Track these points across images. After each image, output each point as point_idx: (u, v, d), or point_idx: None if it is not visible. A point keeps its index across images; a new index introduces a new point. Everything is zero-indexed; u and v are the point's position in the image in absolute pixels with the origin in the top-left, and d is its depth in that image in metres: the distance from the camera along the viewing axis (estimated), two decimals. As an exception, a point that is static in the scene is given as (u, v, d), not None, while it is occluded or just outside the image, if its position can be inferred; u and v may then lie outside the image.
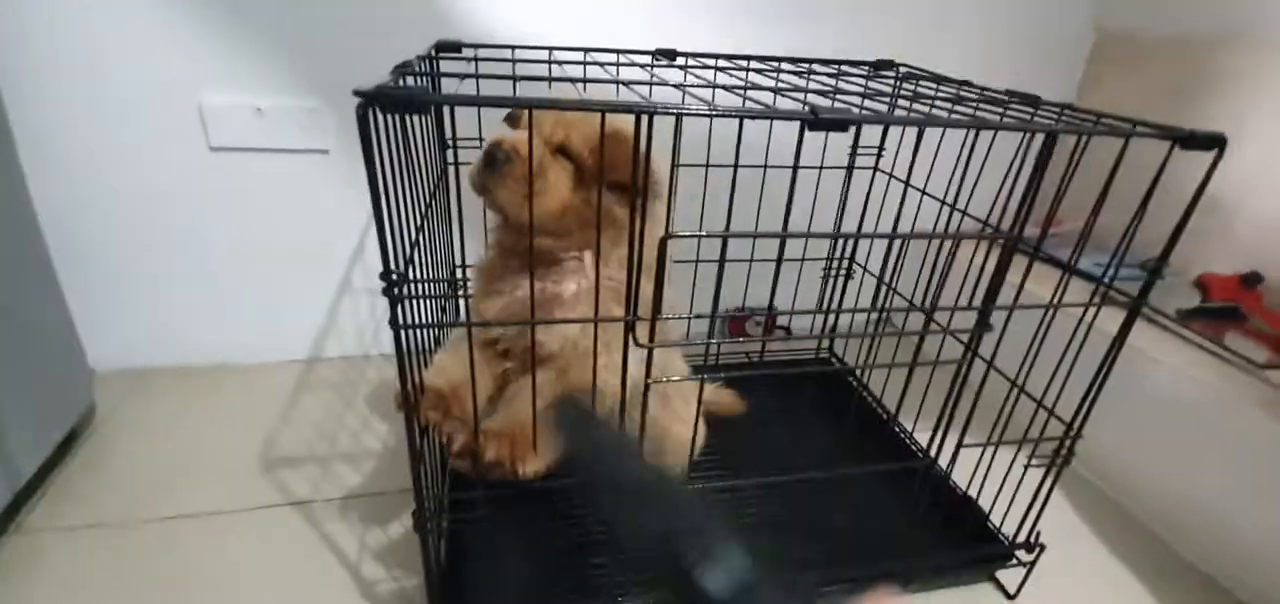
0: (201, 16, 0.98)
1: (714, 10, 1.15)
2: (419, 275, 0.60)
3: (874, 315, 1.01)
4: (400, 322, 0.51)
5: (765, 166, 0.95)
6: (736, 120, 0.50)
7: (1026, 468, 0.80)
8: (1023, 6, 1.29)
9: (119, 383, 1.15)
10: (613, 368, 0.62)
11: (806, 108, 0.50)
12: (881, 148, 1.03)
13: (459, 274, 0.91)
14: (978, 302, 0.69)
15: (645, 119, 0.47)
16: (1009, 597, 0.87)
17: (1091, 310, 0.72)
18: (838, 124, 0.48)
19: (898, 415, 1.07)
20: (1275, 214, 1.08)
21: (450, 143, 0.87)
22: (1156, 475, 0.99)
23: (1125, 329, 0.71)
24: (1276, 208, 1.08)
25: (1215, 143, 0.57)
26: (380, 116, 0.48)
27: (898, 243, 0.93)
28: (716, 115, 0.49)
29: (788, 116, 0.50)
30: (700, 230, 0.57)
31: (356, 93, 0.42)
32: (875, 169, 1.05)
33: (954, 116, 0.60)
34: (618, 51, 0.88)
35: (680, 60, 0.89)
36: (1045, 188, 0.66)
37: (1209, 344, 1.00)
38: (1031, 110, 0.70)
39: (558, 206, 0.68)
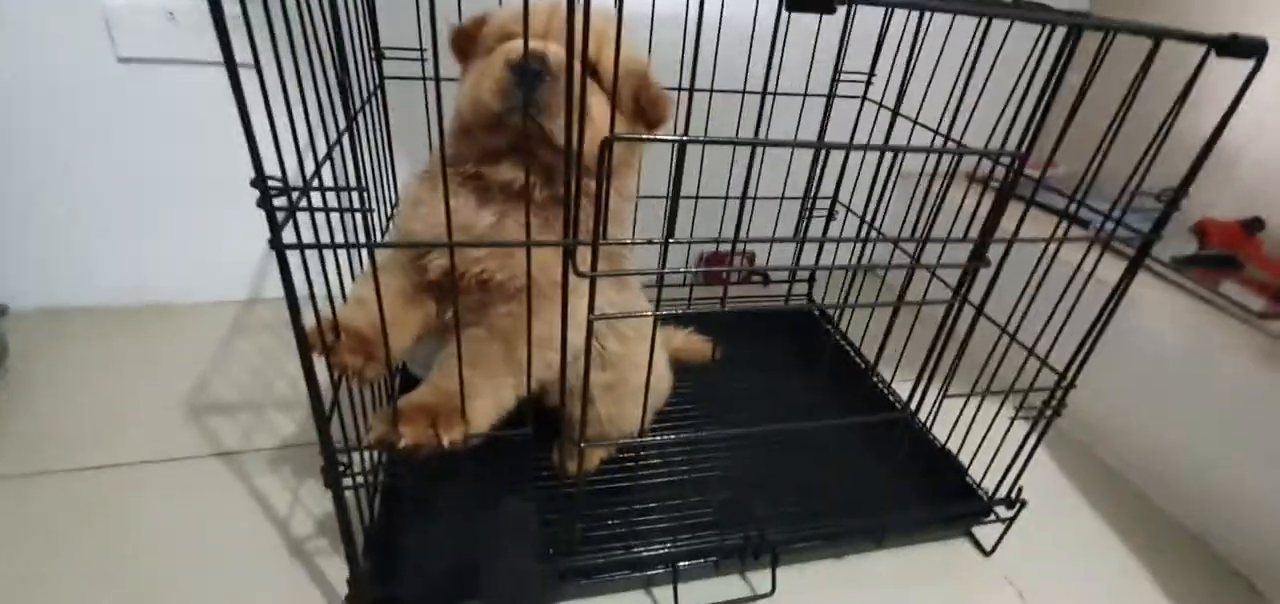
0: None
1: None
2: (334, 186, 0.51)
3: (855, 250, 0.94)
4: (286, 240, 0.42)
5: (744, 92, 0.86)
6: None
7: (1013, 419, 0.75)
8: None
9: (37, 322, 1.04)
10: (559, 316, 0.54)
11: (784, -13, 0.41)
12: (872, 73, 0.94)
13: (363, 188, 0.81)
14: (973, 234, 0.61)
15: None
16: (985, 553, 0.83)
17: (1093, 255, 0.65)
18: (819, 3, 0.40)
19: (877, 364, 1.01)
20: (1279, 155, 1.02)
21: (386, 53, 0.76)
22: (1144, 430, 0.94)
23: (1129, 274, 0.65)
24: (1282, 149, 1.01)
25: (1256, 49, 0.50)
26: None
27: (884, 171, 0.84)
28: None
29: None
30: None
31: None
32: (863, 98, 0.96)
33: (962, 2, 0.51)
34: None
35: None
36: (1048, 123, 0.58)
37: (1205, 292, 0.94)
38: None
39: (595, 144, 0.54)
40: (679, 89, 0.85)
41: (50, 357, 0.99)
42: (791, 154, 0.98)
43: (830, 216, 1.04)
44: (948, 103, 0.74)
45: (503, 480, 0.76)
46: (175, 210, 1.06)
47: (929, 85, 0.79)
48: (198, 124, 0.99)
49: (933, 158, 0.78)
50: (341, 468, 0.55)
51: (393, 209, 0.84)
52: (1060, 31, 0.50)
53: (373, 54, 0.76)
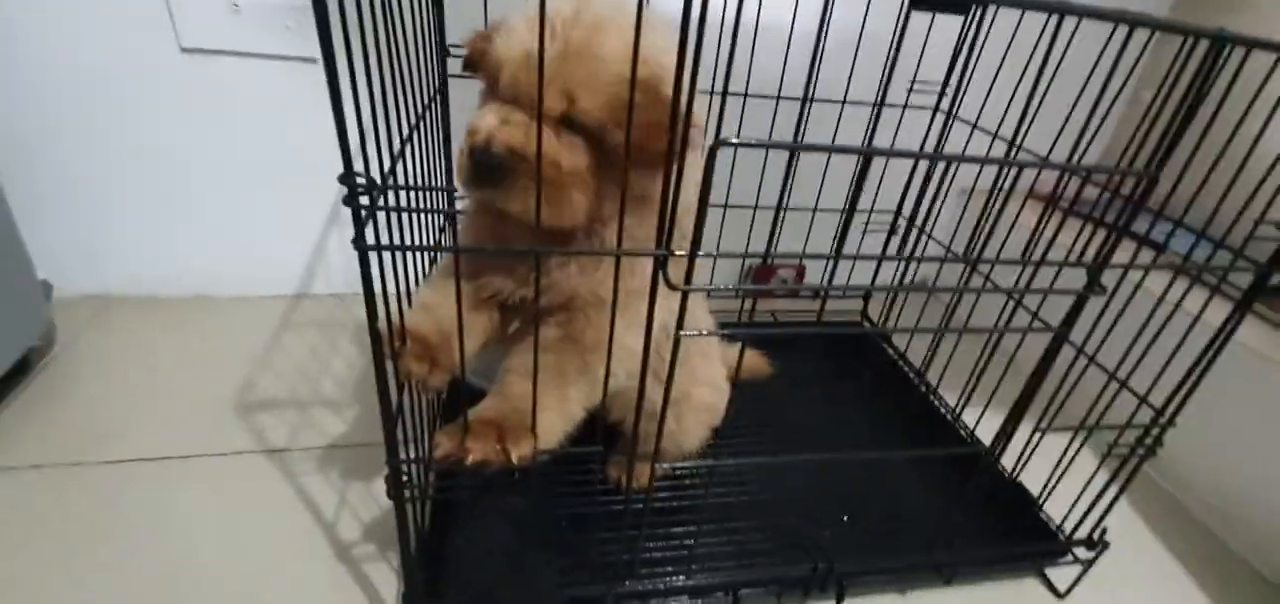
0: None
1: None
2: (404, 185, 0.49)
3: (930, 271, 0.89)
4: (368, 241, 0.39)
5: (808, 99, 0.82)
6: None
7: (1104, 458, 0.70)
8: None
9: (83, 309, 1.04)
10: (632, 327, 0.51)
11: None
12: (945, 85, 0.90)
13: (449, 189, 0.79)
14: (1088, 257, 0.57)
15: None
16: (1058, 595, 0.78)
17: (1195, 292, 0.61)
18: (954, 3, 0.36)
19: (938, 387, 0.97)
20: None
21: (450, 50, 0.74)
22: (1229, 474, 0.88)
23: (1243, 307, 0.60)
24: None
25: None
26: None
27: (984, 186, 0.80)
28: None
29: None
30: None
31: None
32: (935, 109, 0.92)
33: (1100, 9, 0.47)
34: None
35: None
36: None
37: (1300, 326, 0.88)
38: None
39: (581, 214, 0.52)
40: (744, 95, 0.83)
41: (95, 345, 0.99)
42: (871, 188, 0.93)
43: (892, 232, 1.00)
44: (1019, 118, 0.69)
45: (558, 496, 0.74)
46: (226, 202, 1.05)
47: (1010, 101, 0.75)
48: (256, 117, 0.99)
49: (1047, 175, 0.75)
50: (403, 477, 0.53)
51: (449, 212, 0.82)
52: (1202, 45, 0.46)
53: (438, 53, 0.74)
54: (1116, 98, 0.58)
